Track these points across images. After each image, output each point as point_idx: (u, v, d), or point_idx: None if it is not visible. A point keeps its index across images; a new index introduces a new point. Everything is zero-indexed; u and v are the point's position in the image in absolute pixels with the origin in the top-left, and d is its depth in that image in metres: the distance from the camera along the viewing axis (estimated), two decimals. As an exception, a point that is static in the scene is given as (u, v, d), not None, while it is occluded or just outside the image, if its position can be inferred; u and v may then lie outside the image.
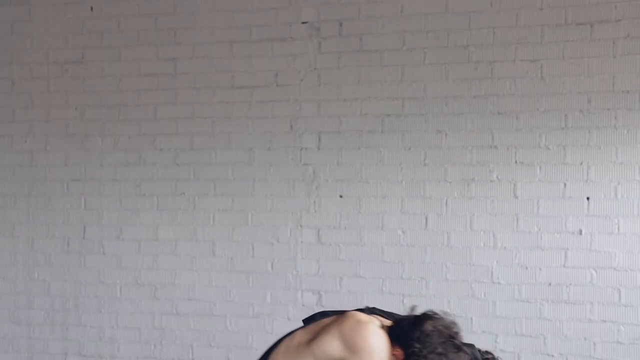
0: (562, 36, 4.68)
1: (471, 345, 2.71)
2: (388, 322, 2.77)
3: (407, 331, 2.63)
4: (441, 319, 2.63)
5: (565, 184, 4.68)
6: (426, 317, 2.66)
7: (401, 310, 4.50)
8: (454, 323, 2.63)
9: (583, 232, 4.65)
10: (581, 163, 4.66)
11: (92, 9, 5.37)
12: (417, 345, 2.59)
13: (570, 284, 4.67)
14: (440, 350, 2.58)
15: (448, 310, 4.78)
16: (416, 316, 2.71)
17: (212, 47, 5.18)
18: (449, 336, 2.61)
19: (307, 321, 2.96)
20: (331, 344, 2.68)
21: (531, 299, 4.72)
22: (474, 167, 4.79)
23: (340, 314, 2.80)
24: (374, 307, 2.94)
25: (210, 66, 5.19)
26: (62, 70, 5.41)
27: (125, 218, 5.32)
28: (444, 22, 4.84)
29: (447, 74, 4.84)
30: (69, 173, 5.39)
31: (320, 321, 2.84)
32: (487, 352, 2.91)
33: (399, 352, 2.64)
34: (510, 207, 4.75)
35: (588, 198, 4.65)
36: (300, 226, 5.02)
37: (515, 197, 4.74)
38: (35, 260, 5.46)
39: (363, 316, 2.75)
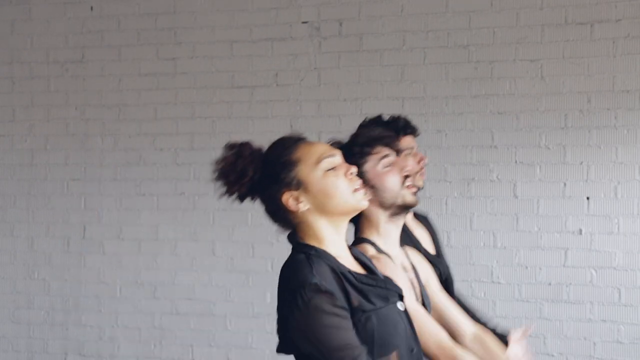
0: (562, 36, 4.68)
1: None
2: None
3: None
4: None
5: (565, 184, 4.68)
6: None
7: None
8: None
9: (583, 232, 4.65)
10: (581, 163, 4.66)
11: (92, 8, 5.37)
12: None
13: (570, 284, 4.67)
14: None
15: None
16: None
17: (212, 47, 5.18)
18: None
19: None
20: None
21: (531, 299, 4.73)
22: (474, 167, 4.79)
23: None
24: None
25: (210, 66, 5.19)
26: (62, 70, 5.41)
27: (125, 218, 5.32)
28: (444, 22, 4.84)
29: (447, 74, 4.84)
30: (69, 173, 5.39)
31: None
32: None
33: None
34: (510, 206, 4.75)
35: (588, 198, 4.65)
36: (300, 226, 5.03)
37: (515, 196, 4.74)
38: (35, 259, 5.46)
39: None
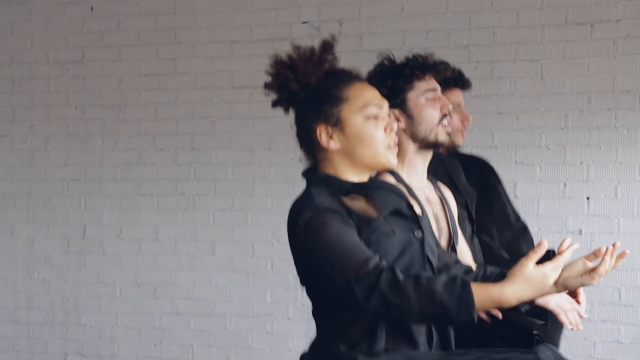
0: (562, 36, 4.68)
1: None
2: None
3: None
4: None
5: (565, 184, 4.68)
6: None
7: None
8: None
9: (583, 232, 4.65)
10: (581, 163, 4.66)
11: (92, 8, 5.37)
12: None
13: (570, 284, 4.66)
14: None
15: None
16: None
17: (212, 47, 5.18)
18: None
19: None
20: None
21: (531, 299, 4.72)
22: (474, 167, 4.79)
23: None
24: None
25: (210, 66, 5.19)
26: (62, 70, 5.41)
27: (125, 218, 5.32)
28: (444, 22, 4.84)
29: (447, 74, 4.83)
30: (69, 173, 5.39)
31: None
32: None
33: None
34: (510, 207, 4.75)
35: (588, 198, 4.65)
36: (300, 226, 5.02)
37: (515, 197, 4.73)
38: (35, 260, 5.45)
39: None
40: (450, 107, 2.60)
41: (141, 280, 5.28)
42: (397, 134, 2.27)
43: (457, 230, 2.66)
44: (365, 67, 4.96)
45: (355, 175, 2.17)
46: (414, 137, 2.56)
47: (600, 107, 4.64)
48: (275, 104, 2.22)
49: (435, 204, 2.64)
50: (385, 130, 2.14)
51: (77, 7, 5.39)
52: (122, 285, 5.32)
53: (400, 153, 2.45)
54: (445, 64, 2.68)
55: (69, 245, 5.40)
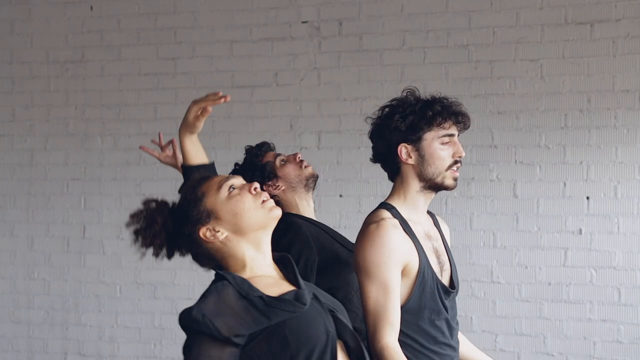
0: (562, 36, 4.69)
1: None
2: None
3: None
4: None
5: (565, 184, 4.69)
6: None
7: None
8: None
9: (583, 232, 4.65)
10: (581, 162, 4.67)
11: (92, 8, 5.38)
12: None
13: (570, 284, 4.67)
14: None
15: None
16: None
17: (212, 47, 5.19)
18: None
19: None
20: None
21: (531, 299, 4.73)
22: (473, 166, 4.79)
23: None
24: None
25: (210, 66, 5.19)
26: (62, 70, 5.42)
27: (125, 218, 5.28)
28: (444, 21, 4.85)
29: (447, 74, 4.84)
30: (69, 172, 5.39)
31: None
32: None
33: None
34: (510, 206, 4.76)
35: (588, 197, 4.65)
36: (300, 226, 5.02)
37: (515, 196, 4.74)
38: (35, 259, 5.46)
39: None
40: (463, 154, 2.66)
41: (141, 279, 5.28)
42: (405, 169, 2.54)
43: (455, 265, 2.70)
44: (365, 66, 5.00)
45: (254, 247, 2.26)
46: (421, 176, 2.59)
47: (600, 106, 4.64)
48: (161, 247, 2.31)
49: (435, 239, 2.67)
50: (249, 192, 2.20)
51: (77, 7, 5.40)
52: (122, 285, 5.32)
53: (404, 189, 2.60)
54: (466, 117, 2.70)
55: (68, 245, 5.40)
